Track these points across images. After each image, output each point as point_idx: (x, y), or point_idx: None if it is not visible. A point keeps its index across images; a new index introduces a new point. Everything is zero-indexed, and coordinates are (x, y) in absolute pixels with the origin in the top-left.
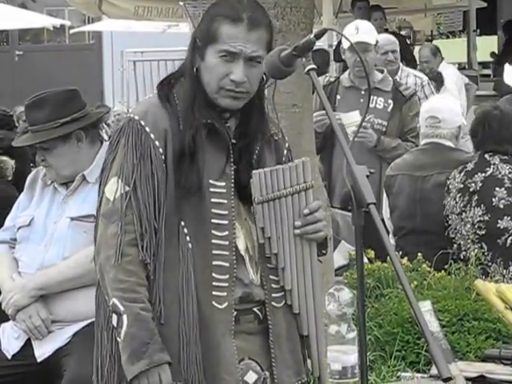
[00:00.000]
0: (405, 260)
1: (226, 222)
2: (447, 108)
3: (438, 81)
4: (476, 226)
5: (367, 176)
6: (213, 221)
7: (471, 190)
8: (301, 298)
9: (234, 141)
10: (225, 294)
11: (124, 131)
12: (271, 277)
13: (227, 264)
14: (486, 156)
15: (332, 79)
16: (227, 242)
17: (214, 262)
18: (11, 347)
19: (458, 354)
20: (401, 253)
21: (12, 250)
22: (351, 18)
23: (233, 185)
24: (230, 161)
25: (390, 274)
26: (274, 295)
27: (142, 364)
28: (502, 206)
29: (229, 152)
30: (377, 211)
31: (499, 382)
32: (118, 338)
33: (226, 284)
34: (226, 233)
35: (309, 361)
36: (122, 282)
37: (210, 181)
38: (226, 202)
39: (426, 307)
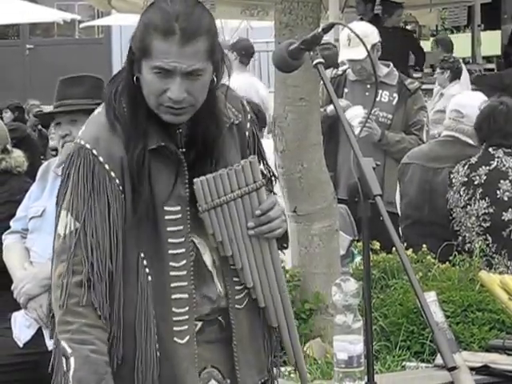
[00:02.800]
0: (410, 251)
1: (183, 250)
2: (472, 105)
3: (453, 72)
4: (481, 219)
5: (373, 168)
6: (170, 252)
7: (475, 183)
8: (265, 292)
9: (184, 150)
10: (186, 327)
11: (74, 162)
12: (234, 279)
13: (186, 296)
14: (490, 149)
15: (339, 72)
16: (185, 272)
17: (174, 296)
18: (23, 336)
19: (462, 344)
20: (405, 243)
21: (23, 240)
22: (356, 12)
23: (188, 208)
24: (185, 181)
25: (395, 265)
26: (236, 297)
27: None
28: (506, 199)
29: (183, 171)
30: (382, 203)
31: (503, 371)
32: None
33: (187, 317)
34: (184, 262)
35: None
36: (70, 323)
37: (165, 207)
38: (182, 227)
39: (430, 298)
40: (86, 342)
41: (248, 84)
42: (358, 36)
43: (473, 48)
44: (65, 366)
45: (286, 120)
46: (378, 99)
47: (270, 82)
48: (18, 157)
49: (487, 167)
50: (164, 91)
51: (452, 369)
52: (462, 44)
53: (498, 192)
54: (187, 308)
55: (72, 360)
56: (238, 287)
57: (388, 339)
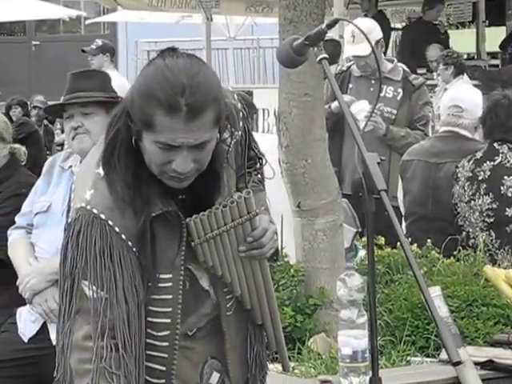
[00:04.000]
0: (414, 246)
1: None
2: (471, 99)
3: (457, 67)
4: (484, 214)
5: (378, 163)
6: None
7: (480, 178)
8: (252, 296)
9: (183, 196)
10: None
11: (88, 232)
12: (224, 290)
13: (164, 368)
14: (495, 145)
15: (344, 68)
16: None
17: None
18: (28, 331)
19: (466, 339)
20: (410, 239)
21: (28, 236)
22: (361, 9)
23: (181, 277)
24: (182, 249)
25: (400, 260)
26: (227, 305)
27: None
28: (510, 195)
29: (181, 237)
30: (387, 198)
31: (507, 366)
32: None
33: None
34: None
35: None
36: None
37: (160, 275)
38: (170, 297)
39: (435, 293)
40: None
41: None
42: (362, 32)
43: (477, 44)
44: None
45: (291, 115)
46: (382, 95)
47: (274, 78)
48: (17, 149)
49: (491, 162)
50: (168, 162)
51: (457, 364)
52: (466, 40)
53: (501, 188)
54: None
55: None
56: (227, 296)
57: (393, 334)
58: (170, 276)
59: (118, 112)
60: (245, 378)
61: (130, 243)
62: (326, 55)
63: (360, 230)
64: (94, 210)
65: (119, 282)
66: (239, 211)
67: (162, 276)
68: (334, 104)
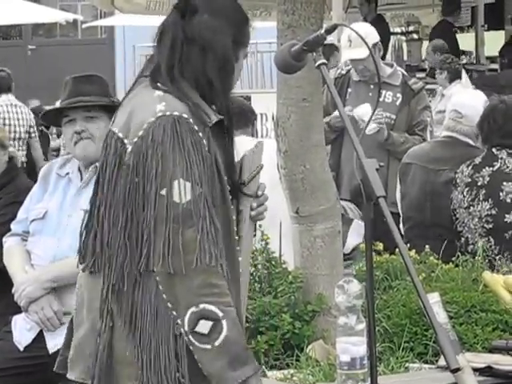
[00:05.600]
0: (412, 252)
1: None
2: (471, 105)
3: (451, 72)
4: (483, 220)
5: (377, 169)
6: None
7: (479, 184)
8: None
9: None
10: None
11: (179, 130)
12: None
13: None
14: (494, 150)
15: (343, 72)
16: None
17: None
18: (23, 339)
19: (465, 345)
20: (409, 245)
21: (24, 243)
22: (360, 13)
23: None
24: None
25: (399, 266)
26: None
27: (248, 369)
28: (509, 201)
29: (231, 156)
30: (386, 205)
31: (506, 372)
32: (205, 346)
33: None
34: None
35: None
36: (216, 286)
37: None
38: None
39: (434, 299)
40: (231, 304)
41: None
42: (359, 35)
43: (476, 48)
44: (207, 329)
45: (289, 121)
46: (381, 99)
47: (272, 83)
48: (14, 152)
49: (490, 168)
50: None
51: (455, 370)
52: (465, 44)
53: (500, 194)
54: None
55: (224, 323)
56: None
57: (391, 340)
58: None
59: (171, 25)
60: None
61: (204, 141)
62: (325, 61)
63: None
64: (176, 113)
65: (208, 177)
66: (258, 159)
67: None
68: (334, 115)
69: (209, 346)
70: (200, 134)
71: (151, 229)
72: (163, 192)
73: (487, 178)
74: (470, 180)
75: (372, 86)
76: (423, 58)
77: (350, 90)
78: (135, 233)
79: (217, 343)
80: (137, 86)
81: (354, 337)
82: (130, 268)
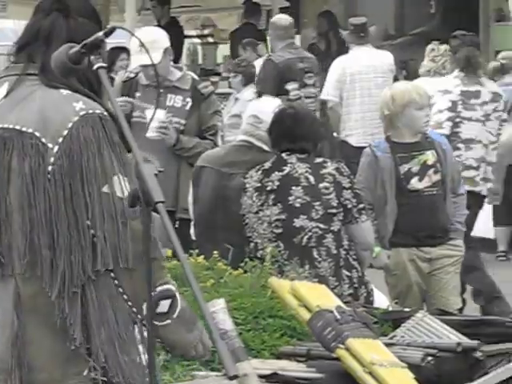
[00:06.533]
0: (201, 258)
1: None
2: (268, 111)
3: (246, 76)
4: (273, 225)
5: (156, 174)
6: None
7: (268, 189)
8: None
9: None
10: None
11: (104, 127)
12: None
13: None
14: (283, 155)
15: (132, 75)
16: None
17: None
18: None
19: (253, 351)
20: (198, 249)
21: None
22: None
23: None
24: None
25: None
26: None
27: (199, 325)
28: (298, 205)
29: None
30: (165, 210)
31: (293, 378)
32: (166, 322)
33: None
34: None
35: None
36: (164, 266)
37: None
38: None
39: (219, 305)
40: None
41: None
42: (143, 44)
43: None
44: (167, 307)
45: None
46: (170, 104)
47: None
48: None
49: (280, 173)
50: None
51: (233, 377)
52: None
53: (289, 198)
54: None
55: (178, 296)
56: None
57: None
58: None
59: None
60: None
61: None
62: (103, 64)
63: None
64: (97, 111)
65: None
66: None
67: None
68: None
69: (169, 321)
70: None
71: (98, 227)
72: (105, 189)
73: (277, 183)
74: (259, 185)
75: (161, 90)
76: (218, 61)
77: (138, 93)
78: (77, 234)
79: (175, 316)
80: (19, 84)
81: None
82: (79, 270)
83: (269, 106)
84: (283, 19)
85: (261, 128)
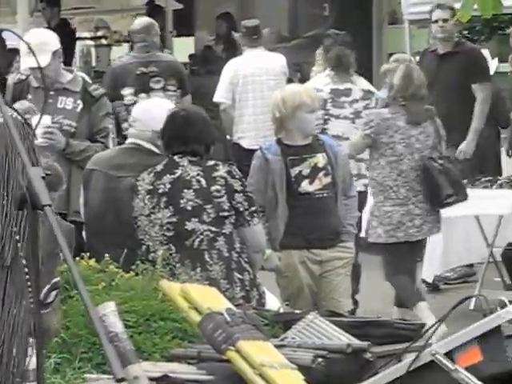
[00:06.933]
0: (92, 261)
1: None
2: (144, 110)
3: None
4: (164, 228)
5: (43, 177)
6: None
7: (160, 191)
8: None
9: None
10: None
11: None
12: None
13: None
14: (176, 158)
15: (23, 77)
16: None
17: None
18: None
19: (144, 354)
20: (90, 252)
21: None
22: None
23: None
24: None
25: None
26: None
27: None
28: (189, 208)
29: None
30: (53, 213)
31: (183, 381)
32: (47, 310)
33: None
34: None
35: None
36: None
37: None
38: None
39: (109, 308)
40: None
41: None
42: (30, 47)
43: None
44: (53, 297)
45: None
46: (61, 106)
47: None
48: None
49: (172, 176)
50: None
51: (120, 380)
52: None
53: (181, 201)
54: None
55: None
56: None
57: (69, 351)
58: None
59: None
60: None
61: None
62: None
63: None
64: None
65: None
66: None
67: None
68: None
69: (50, 309)
70: None
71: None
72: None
73: (168, 186)
74: (151, 187)
75: (52, 93)
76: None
77: (29, 96)
78: None
79: (52, 302)
80: None
81: None
82: None
83: (146, 105)
84: (136, 23)
85: (137, 127)
